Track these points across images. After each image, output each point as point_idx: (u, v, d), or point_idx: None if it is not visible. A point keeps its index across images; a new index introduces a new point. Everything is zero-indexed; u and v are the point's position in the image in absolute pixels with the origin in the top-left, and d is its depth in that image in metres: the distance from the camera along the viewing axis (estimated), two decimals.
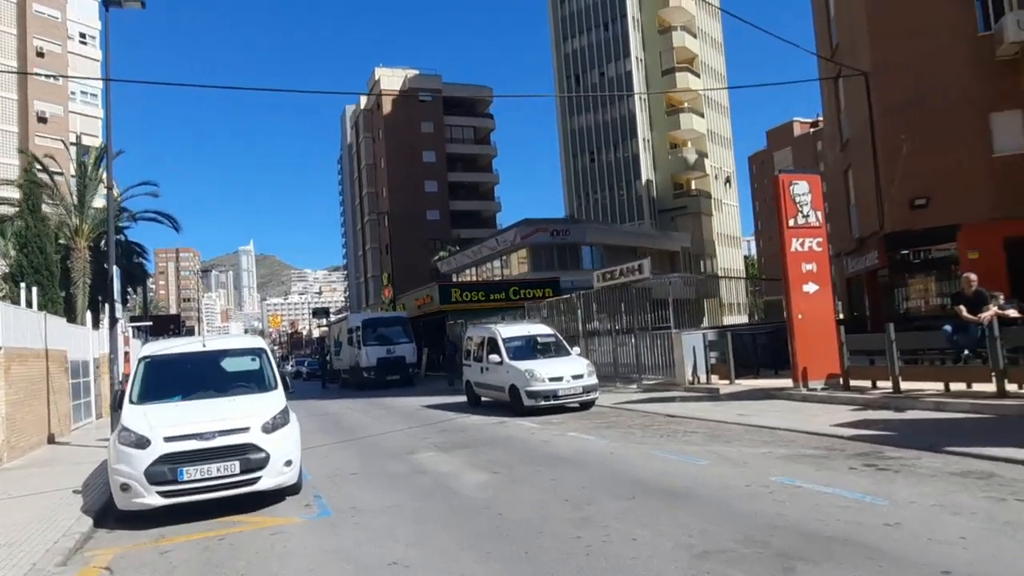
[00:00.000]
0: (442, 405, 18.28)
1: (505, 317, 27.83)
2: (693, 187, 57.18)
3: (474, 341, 17.21)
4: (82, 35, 66.40)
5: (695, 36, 59.40)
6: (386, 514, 6.77)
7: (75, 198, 30.91)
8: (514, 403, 14.57)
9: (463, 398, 18.78)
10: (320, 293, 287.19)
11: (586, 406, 14.55)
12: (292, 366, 60.21)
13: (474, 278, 47.08)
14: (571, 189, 58.58)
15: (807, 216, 13.39)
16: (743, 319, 25.71)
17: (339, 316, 52.71)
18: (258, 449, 7.17)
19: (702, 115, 57.76)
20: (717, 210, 59.72)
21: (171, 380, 8.28)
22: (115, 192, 33.62)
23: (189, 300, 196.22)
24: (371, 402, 21.42)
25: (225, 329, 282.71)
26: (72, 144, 35.71)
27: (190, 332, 74.61)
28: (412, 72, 74.90)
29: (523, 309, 27.43)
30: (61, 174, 32.31)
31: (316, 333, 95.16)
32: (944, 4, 18.75)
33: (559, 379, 14.19)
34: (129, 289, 40.82)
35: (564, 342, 16.31)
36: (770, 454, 8.38)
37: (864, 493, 6.18)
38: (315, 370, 44.01)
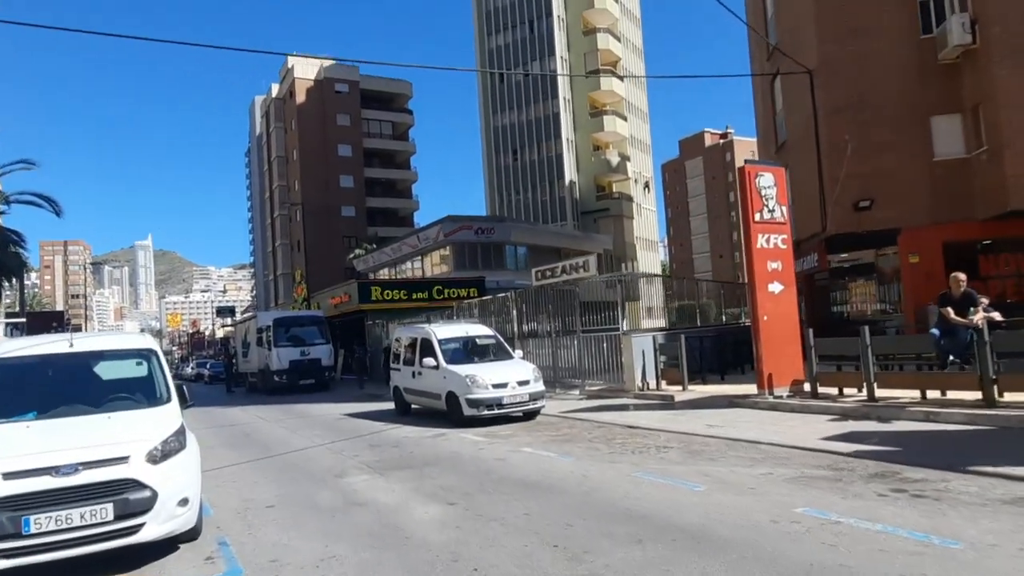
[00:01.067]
0: (366, 413, 16.47)
1: (431, 318, 26.12)
2: (614, 190, 57.09)
3: (403, 343, 15.51)
4: None
5: (619, 40, 59.49)
6: (320, 573, 5.10)
7: None
8: (452, 412, 13.00)
9: (388, 405, 17.06)
10: (224, 292, 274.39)
11: (531, 415, 13.16)
12: (193, 368, 56.14)
13: (393, 277, 44.98)
14: (493, 188, 57.30)
15: (772, 211, 12.50)
16: (659, 323, 25.13)
17: (247, 315, 49.31)
18: (141, 486, 5.29)
19: (625, 119, 57.79)
20: (637, 214, 59.97)
21: (23, 391, 6.26)
22: None
23: (78, 296, 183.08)
24: (284, 409, 19.28)
25: (119, 328, 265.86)
26: None
27: (76, 331, 68.43)
28: (328, 62, 71.66)
29: (448, 310, 25.90)
30: None
31: (220, 333, 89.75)
32: (890, 5, 18.54)
33: (503, 385, 12.74)
34: (4, 282, 36.39)
35: (505, 344, 14.86)
36: (772, 476, 7.20)
37: (925, 532, 5.02)
38: (219, 373, 40.83)
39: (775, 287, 12.26)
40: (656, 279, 23.26)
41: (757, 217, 12.29)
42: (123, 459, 5.33)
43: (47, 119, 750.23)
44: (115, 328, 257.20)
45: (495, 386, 12.68)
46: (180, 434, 6.03)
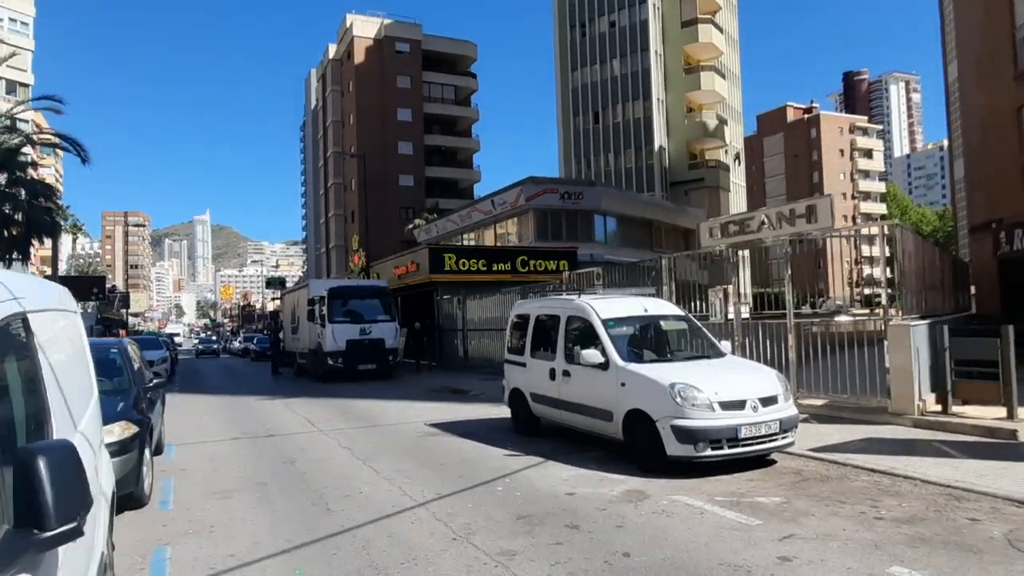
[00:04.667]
0: (462, 425, 11.16)
1: (510, 293, 20.84)
2: (707, 158, 50.29)
3: (530, 324, 10.02)
4: None
5: None
6: None
7: None
8: (638, 445, 7.53)
9: (483, 409, 12.18)
10: (277, 267, 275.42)
11: (763, 457, 7.58)
12: (241, 342, 52.30)
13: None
14: (569, 155, 51.20)
15: None
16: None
17: (297, 284, 44.54)
18: None
19: (724, 76, 50.89)
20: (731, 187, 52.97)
21: None
22: None
23: (137, 267, 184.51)
24: (342, 408, 14.10)
25: (177, 299, 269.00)
26: None
27: (124, 300, 65.43)
28: (388, 20, 66.59)
29: (535, 286, 20.52)
30: None
31: (270, 306, 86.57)
32: None
33: (739, 405, 7.18)
34: (34, 242, 32.33)
35: (704, 330, 9.21)
36: None
37: None
38: (265, 349, 36.44)
39: None
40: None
41: None
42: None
43: (113, 100, 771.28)
44: (174, 299, 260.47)
45: (726, 406, 7.13)
46: None
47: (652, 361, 8.14)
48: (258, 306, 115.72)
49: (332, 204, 71.48)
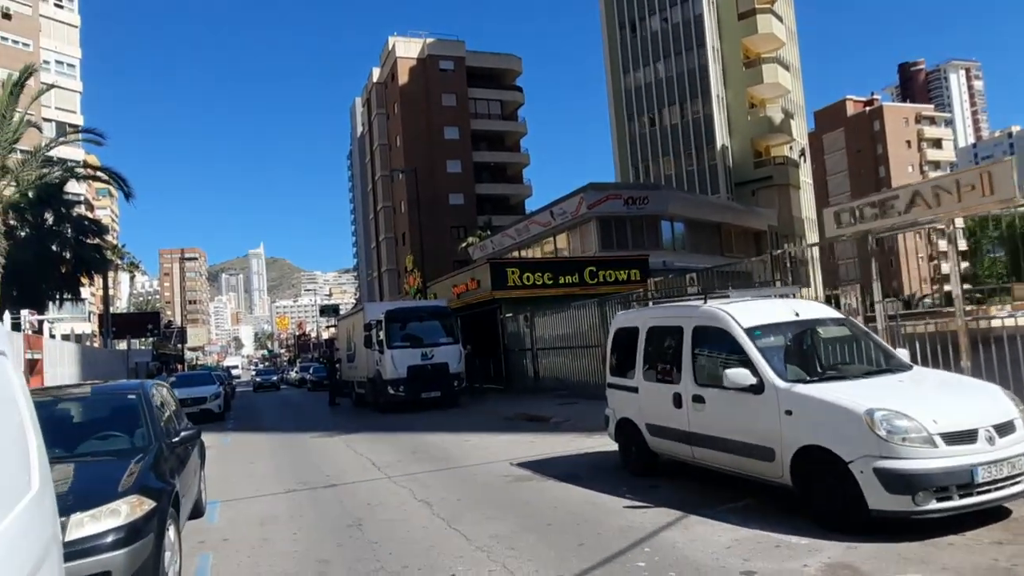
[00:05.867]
0: (554, 463, 9.33)
1: (584, 307, 19.13)
2: (772, 155, 47.40)
3: (641, 338, 8.12)
4: None
5: None
6: None
7: None
8: (814, 494, 5.57)
9: (569, 440, 10.40)
10: (330, 295, 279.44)
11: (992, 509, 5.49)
12: (297, 372, 51.75)
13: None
14: (625, 161, 49.06)
15: None
16: None
17: (352, 309, 43.47)
18: None
19: (787, 68, 48.20)
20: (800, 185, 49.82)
21: None
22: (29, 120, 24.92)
23: (195, 303, 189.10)
24: (410, 445, 12.39)
25: (235, 332, 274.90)
26: None
27: (180, 334, 65.93)
28: (431, 39, 66.05)
29: (606, 298, 18.73)
30: None
31: (325, 335, 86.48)
32: None
33: (968, 437, 5.15)
34: (83, 279, 31.97)
35: (876, 336, 7.18)
36: None
37: None
38: (322, 378, 35.49)
39: None
40: None
41: None
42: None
43: (163, 134, 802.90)
44: (232, 332, 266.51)
45: (951, 439, 5.11)
46: None
47: (823, 380, 6.14)
48: (313, 335, 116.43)
49: (382, 228, 70.93)
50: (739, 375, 6.21)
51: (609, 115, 51.09)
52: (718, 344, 6.83)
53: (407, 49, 65.34)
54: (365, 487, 8.93)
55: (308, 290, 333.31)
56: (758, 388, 6.12)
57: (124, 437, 5.85)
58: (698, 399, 6.90)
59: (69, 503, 4.21)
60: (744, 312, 6.82)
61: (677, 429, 7.27)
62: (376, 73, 73.44)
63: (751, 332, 6.54)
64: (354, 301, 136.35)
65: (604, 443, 9.63)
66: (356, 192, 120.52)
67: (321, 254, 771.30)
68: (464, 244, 47.83)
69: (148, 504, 4.60)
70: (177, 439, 6.09)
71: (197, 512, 7.36)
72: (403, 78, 64.89)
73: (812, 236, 47.56)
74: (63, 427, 6.11)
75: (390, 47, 67.30)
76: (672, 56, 46.70)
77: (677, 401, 7.19)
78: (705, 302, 7.39)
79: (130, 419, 5.98)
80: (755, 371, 6.19)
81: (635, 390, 8.14)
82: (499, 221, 57.77)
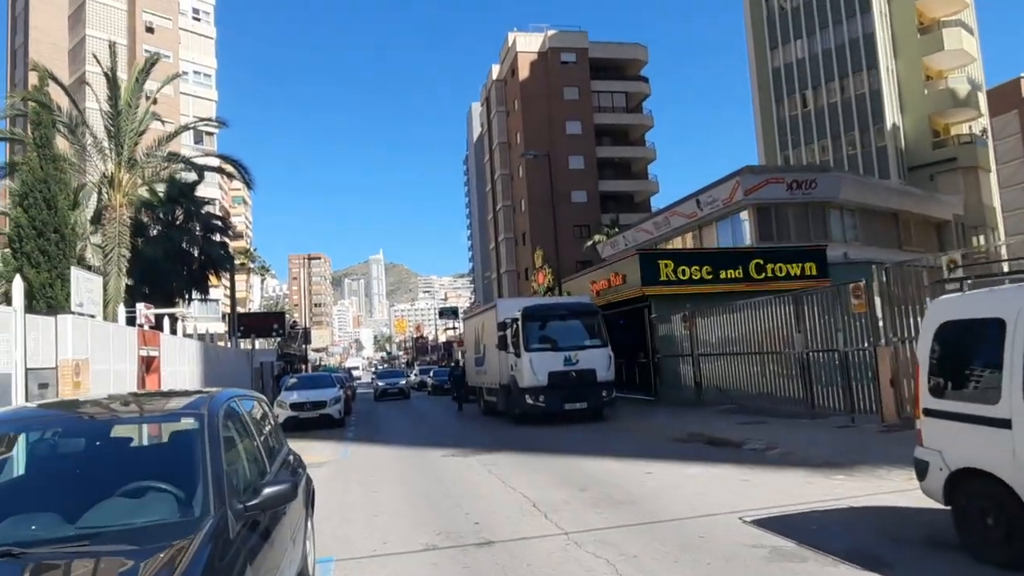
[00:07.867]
0: (805, 520, 6.02)
1: (763, 305, 15.74)
2: (952, 132, 40.74)
3: (1018, 336, 4.75)
4: (195, 10, 60.59)
5: None
6: None
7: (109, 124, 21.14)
8: None
9: (799, 477, 7.03)
10: (445, 299, 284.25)
11: None
12: (417, 375, 50.44)
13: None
14: (772, 149, 43.98)
15: None
16: None
17: (481, 306, 41.04)
18: None
19: (972, 32, 41.63)
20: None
21: None
22: (148, 104, 24.15)
23: (320, 305, 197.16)
24: (572, 475, 9.43)
25: (356, 334, 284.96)
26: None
27: (305, 335, 66.73)
28: (552, 31, 63.56)
29: (774, 296, 15.29)
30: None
31: (442, 337, 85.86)
32: None
33: None
34: (211, 278, 31.55)
35: None
36: None
37: None
38: (443, 382, 33.65)
39: None
40: None
41: None
42: None
43: (284, 142, 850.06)
44: (353, 335, 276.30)
45: None
46: None
47: None
48: (430, 337, 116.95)
49: (501, 228, 69.08)
50: None
51: (753, 97, 46.25)
52: None
53: (527, 43, 63.20)
54: (536, 552, 6.04)
55: (425, 293, 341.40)
56: None
57: (167, 496, 3.23)
58: None
59: None
60: None
61: None
62: (495, 70, 71.86)
63: None
64: (469, 303, 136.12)
65: (870, 489, 6.60)
66: (472, 195, 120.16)
67: (437, 259, 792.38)
68: (591, 242, 44.71)
69: None
70: (258, 499, 3.38)
71: None
72: (523, 73, 62.76)
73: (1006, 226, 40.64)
74: (77, 469, 3.64)
75: (510, 43, 65.43)
76: (830, 26, 41.25)
77: None
78: None
79: (180, 464, 3.38)
80: None
81: (1004, 424, 4.79)
82: (625, 219, 54.23)
